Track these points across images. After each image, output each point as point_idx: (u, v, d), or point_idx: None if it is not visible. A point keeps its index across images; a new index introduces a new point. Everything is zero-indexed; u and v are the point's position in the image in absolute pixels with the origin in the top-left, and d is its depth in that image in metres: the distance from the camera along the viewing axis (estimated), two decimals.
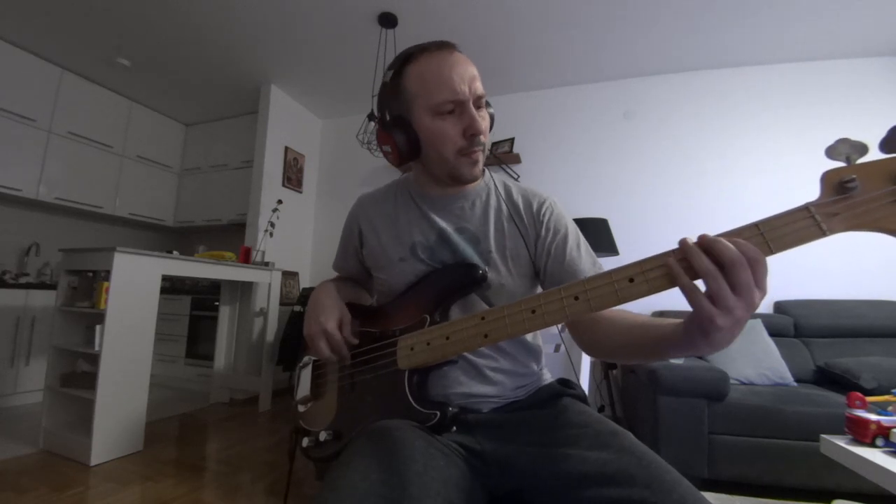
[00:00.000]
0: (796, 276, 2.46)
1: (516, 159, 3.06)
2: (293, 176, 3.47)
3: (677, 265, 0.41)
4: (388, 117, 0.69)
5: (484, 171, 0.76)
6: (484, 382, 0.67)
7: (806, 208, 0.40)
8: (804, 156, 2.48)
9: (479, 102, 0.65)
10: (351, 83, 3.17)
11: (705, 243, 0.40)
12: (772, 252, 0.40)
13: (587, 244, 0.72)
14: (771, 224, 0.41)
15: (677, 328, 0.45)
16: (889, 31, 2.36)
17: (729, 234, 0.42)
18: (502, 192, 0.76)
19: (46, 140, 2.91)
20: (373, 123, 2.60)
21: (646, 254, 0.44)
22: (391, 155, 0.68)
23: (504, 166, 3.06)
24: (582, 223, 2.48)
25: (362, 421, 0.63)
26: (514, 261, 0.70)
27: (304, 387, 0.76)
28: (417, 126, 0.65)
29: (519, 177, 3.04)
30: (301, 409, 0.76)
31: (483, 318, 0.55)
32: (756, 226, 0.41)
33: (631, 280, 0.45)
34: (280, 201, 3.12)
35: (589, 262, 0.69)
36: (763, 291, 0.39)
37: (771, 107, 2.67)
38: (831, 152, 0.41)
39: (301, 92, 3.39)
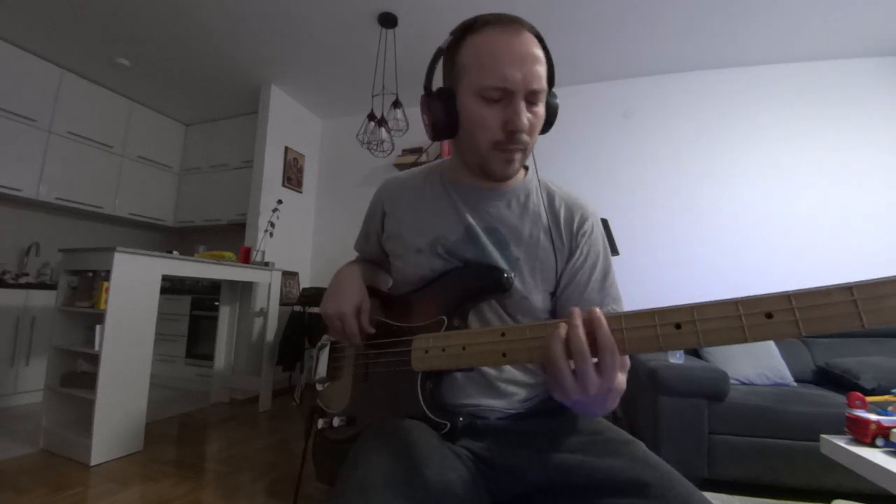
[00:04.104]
0: (796, 276, 2.45)
1: None
2: (293, 176, 3.47)
3: (560, 336, 0.43)
4: (433, 86, 0.63)
5: (527, 170, 0.71)
6: (493, 396, 0.64)
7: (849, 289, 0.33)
8: (804, 155, 2.47)
9: (532, 97, 0.57)
10: (351, 83, 3.17)
11: (589, 323, 0.42)
12: (801, 333, 0.35)
13: (614, 277, 0.67)
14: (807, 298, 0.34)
15: None
16: (889, 31, 2.36)
17: (754, 298, 0.36)
18: (545, 197, 0.68)
19: (46, 140, 2.91)
20: (373, 123, 2.59)
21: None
22: (427, 127, 0.64)
23: None
24: None
25: (375, 414, 0.63)
26: (541, 274, 0.65)
27: (321, 367, 0.76)
28: (460, 104, 0.59)
29: None
30: (319, 387, 0.76)
31: (503, 335, 0.50)
32: (788, 297, 0.35)
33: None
34: (280, 201, 3.12)
35: (609, 299, 0.64)
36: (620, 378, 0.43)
37: (771, 106, 2.66)
38: None
39: (301, 92, 3.38)
